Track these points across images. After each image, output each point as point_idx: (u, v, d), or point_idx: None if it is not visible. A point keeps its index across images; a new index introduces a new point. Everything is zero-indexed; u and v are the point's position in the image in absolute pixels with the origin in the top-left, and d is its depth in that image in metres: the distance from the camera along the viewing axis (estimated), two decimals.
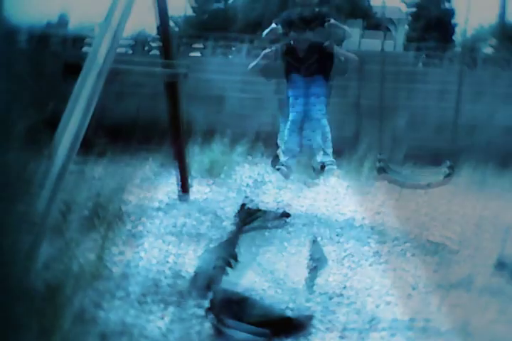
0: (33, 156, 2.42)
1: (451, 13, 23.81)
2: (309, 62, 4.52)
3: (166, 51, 4.16)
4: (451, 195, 4.96)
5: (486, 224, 4.15)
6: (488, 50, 21.12)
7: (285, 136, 4.58)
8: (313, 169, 4.52)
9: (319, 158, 4.49)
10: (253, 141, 6.17)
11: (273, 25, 4.66)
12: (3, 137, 1.77)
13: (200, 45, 7.69)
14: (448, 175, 3.71)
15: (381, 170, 4.03)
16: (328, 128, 4.55)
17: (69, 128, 2.62)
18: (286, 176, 4.55)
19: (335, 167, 4.48)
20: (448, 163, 3.78)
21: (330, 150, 4.53)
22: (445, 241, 3.77)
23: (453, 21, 23.73)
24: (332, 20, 4.47)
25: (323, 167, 4.47)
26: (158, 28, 4.10)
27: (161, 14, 4.01)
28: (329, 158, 4.48)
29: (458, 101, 3.82)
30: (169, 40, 4.17)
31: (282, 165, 4.50)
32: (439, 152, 5.55)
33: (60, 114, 2.70)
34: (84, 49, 7.23)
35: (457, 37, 23.41)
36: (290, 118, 4.54)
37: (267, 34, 4.65)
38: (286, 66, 4.64)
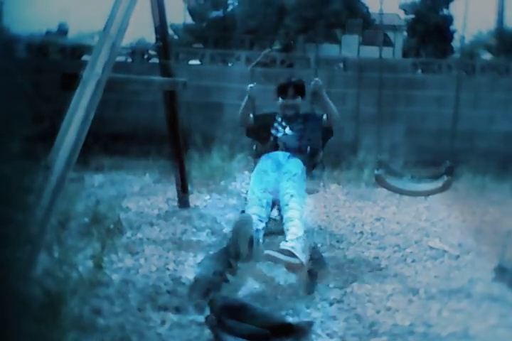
0: (32, 166, 2.43)
1: (449, 19, 23.95)
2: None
3: (165, 59, 4.17)
4: (451, 201, 4.97)
5: (486, 230, 4.16)
6: (486, 56, 21.22)
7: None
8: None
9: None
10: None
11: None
12: (1, 147, 1.78)
13: (199, 53, 7.71)
14: (447, 182, 3.71)
15: (379, 177, 4.01)
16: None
17: (67, 137, 2.62)
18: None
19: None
20: (447, 166, 3.77)
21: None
22: (445, 246, 3.77)
23: (451, 28, 23.88)
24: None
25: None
26: (156, 35, 4.11)
27: (160, 22, 4.03)
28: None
29: (456, 108, 3.83)
30: (168, 48, 4.18)
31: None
32: (438, 157, 5.57)
33: (59, 124, 2.70)
34: (84, 58, 7.25)
35: (456, 43, 23.54)
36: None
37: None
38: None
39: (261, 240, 3.31)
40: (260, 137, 4.00)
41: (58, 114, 2.74)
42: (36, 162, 2.44)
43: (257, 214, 3.32)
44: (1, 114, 1.73)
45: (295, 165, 3.62)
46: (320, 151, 3.98)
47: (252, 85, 3.94)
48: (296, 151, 3.81)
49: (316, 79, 3.81)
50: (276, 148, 3.85)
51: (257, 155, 3.93)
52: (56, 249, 2.60)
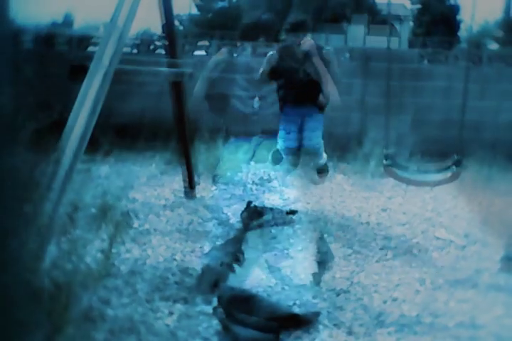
0: (40, 158, 2.44)
1: (456, 9, 23.77)
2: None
3: (172, 50, 4.17)
4: (458, 191, 4.96)
5: (493, 220, 4.15)
6: (493, 46, 21.06)
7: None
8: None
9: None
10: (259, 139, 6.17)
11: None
12: (10, 139, 1.79)
13: (205, 44, 7.69)
14: (456, 173, 3.70)
15: (388, 168, 4.00)
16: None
17: (75, 129, 2.63)
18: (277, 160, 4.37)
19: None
20: (455, 157, 3.76)
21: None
22: (452, 237, 3.77)
23: (458, 17, 23.71)
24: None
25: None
26: (163, 26, 4.10)
27: (166, 13, 4.02)
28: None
29: (464, 98, 3.81)
30: (174, 39, 4.18)
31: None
32: (446, 149, 5.54)
33: (67, 115, 2.71)
34: (90, 49, 7.25)
35: (462, 33, 23.38)
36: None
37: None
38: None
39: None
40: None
41: (66, 106, 2.75)
42: (45, 154, 2.45)
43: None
44: (9, 106, 1.73)
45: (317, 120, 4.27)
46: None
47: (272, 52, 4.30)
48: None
49: (305, 39, 3.95)
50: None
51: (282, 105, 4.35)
52: (64, 240, 2.61)
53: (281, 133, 4.34)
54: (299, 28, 4.10)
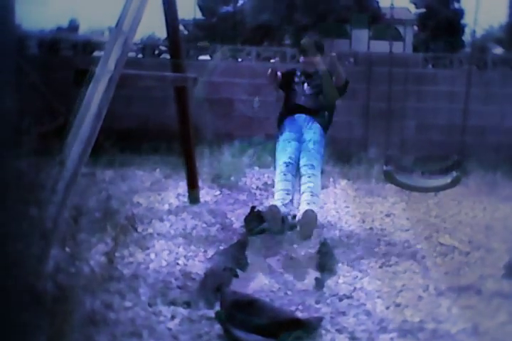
0: (45, 162, 2.45)
1: (460, 13, 23.75)
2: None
3: (176, 55, 4.18)
4: (462, 197, 4.95)
5: (497, 226, 4.14)
6: (497, 50, 21.04)
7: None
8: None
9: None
10: (263, 143, 6.19)
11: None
12: (15, 143, 1.80)
13: (205, 44, 7.72)
14: (456, 178, 3.69)
15: (388, 174, 4.00)
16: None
17: (80, 133, 2.64)
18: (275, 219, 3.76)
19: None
20: (456, 162, 3.76)
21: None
22: (455, 243, 3.76)
23: (462, 22, 23.68)
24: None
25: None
26: (167, 31, 4.12)
27: (171, 17, 4.04)
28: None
29: (466, 103, 3.81)
30: (179, 44, 4.19)
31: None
32: (449, 154, 5.54)
33: (72, 119, 2.72)
34: (95, 54, 7.28)
35: (467, 37, 23.36)
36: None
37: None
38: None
39: (290, 212, 3.89)
40: (286, 89, 4.42)
41: (71, 110, 2.76)
42: (50, 158, 2.47)
43: (284, 190, 3.86)
44: (14, 110, 1.75)
45: (315, 132, 4.15)
46: (334, 108, 4.40)
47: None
48: (314, 112, 4.26)
49: (333, 54, 4.23)
50: (297, 109, 4.27)
51: (282, 118, 4.35)
52: (68, 243, 2.62)
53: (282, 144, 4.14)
54: (312, 50, 4.31)
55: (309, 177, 3.91)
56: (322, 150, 4.15)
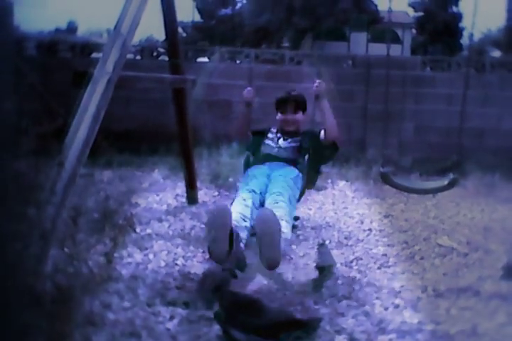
0: (44, 163, 2.45)
1: (458, 16, 23.83)
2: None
3: (174, 56, 4.18)
4: (460, 198, 4.96)
5: (495, 228, 4.15)
6: (495, 53, 21.10)
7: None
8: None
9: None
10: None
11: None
12: (13, 144, 1.80)
13: (208, 50, 7.73)
14: (453, 180, 3.70)
15: (385, 176, 3.99)
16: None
17: (79, 134, 2.65)
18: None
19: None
20: (453, 165, 3.77)
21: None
22: (454, 244, 3.76)
23: (460, 25, 23.77)
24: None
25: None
26: (166, 33, 4.12)
27: (169, 19, 4.05)
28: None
29: (464, 105, 3.82)
30: (177, 46, 4.20)
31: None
32: (446, 156, 5.55)
33: (70, 121, 2.72)
34: (93, 55, 7.28)
35: (465, 40, 23.43)
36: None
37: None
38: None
39: (243, 241, 2.99)
40: (253, 151, 3.86)
41: (69, 112, 2.76)
42: (49, 159, 2.47)
43: (239, 213, 3.11)
44: (12, 112, 1.75)
45: (289, 171, 3.50)
46: (319, 170, 3.78)
47: (249, 88, 3.74)
48: (290, 161, 3.60)
49: (319, 81, 3.52)
50: (268, 158, 3.65)
51: (247, 165, 3.85)
52: (67, 244, 2.62)
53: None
54: (291, 107, 3.67)
55: (276, 203, 3.18)
56: (296, 189, 3.43)
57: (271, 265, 2.74)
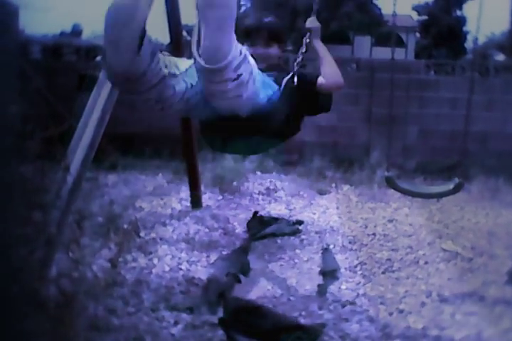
0: (49, 167, 2.45)
1: (462, 20, 23.84)
2: None
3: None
4: (464, 203, 4.94)
5: (500, 232, 4.13)
6: (500, 56, 21.07)
7: None
8: None
9: None
10: None
11: None
12: (19, 148, 1.80)
13: None
14: (458, 184, 3.68)
15: (390, 180, 3.98)
16: None
17: (84, 138, 2.65)
18: None
19: None
20: (459, 168, 3.75)
21: None
22: (458, 249, 3.75)
23: (464, 29, 23.77)
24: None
25: None
26: (170, 36, 4.13)
27: (174, 23, 4.05)
28: None
29: (468, 109, 3.81)
30: (182, 49, 4.20)
31: None
32: (451, 159, 5.53)
33: (76, 124, 2.73)
34: (98, 58, 7.30)
35: (469, 44, 23.43)
36: None
37: None
38: None
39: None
40: None
41: (75, 115, 2.77)
42: (54, 163, 2.47)
43: None
44: (18, 116, 1.75)
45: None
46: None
47: None
48: None
49: (311, 18, 2.70)
50: None
51: None
52: (71, 248, 2.63)
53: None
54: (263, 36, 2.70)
55: None
56: (265, 82, 2.36)
57: (211, 57, 1.93)
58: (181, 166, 4.97)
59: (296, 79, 2.48)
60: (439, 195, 4.30)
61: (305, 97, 2.51)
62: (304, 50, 2.67)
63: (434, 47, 23.53)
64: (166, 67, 2.09)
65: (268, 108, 2.26)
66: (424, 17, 24.81)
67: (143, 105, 2.16)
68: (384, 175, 4.13)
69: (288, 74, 2.50)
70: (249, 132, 2.29)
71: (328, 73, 2.55)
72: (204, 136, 2.47)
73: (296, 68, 2.55)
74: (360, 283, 3.10)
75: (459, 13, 24.15)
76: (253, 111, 2.20)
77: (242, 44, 2.31)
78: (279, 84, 2.42)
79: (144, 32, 1.93)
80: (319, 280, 3.11)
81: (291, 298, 2.86)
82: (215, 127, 2.32)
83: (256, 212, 4.23)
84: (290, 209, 4.69)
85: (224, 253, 3.47)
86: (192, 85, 2.14)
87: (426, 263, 3.47)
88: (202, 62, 1.94)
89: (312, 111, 2.62)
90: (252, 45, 2.68)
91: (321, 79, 2.54)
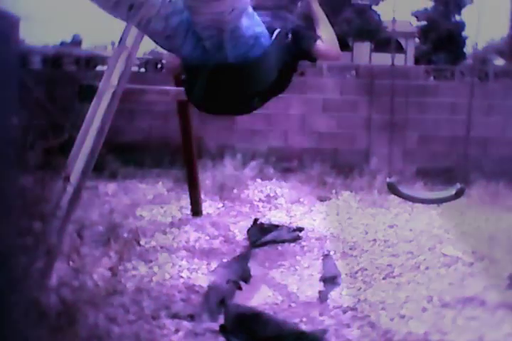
0: (49, 177, 2.47)
1: (461, 25, 23.91)
2: None
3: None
4: (465, 208, 4.94)
5: (500, 237, 4.13)
6: (499, 62, 21.11)
7: None
8: None
9: None
10: (265, 156, 6.20)
11: None
12: (19, 158, 1.82)
13: None
14: (460, 190, 3.69)
15: (391, 185, 3.99)
16: None
17: (84, 147, 2.66)
18: None
19: None
20: (460, 174, 3.76)
21: None
22: (459, 253, 3.75)
23: (463, 34, 23.84)
24: None
25: None
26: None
27: None
28: None
29: (469, 114, 3.82)
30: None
31: None
32: (452, 165, 5.54)
33: (75, 134, 2.75)
34: (98, 68, 7.33)
35: (468, 49, 23.48)
36: None
37: None
38: None
39: None
40: None
41: (75, 125, 2.78)
42: (54, 173, 2.48)
43: None
44: (18, 126, 1.77)
45: None
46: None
47: None
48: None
49: None
50: None
51: None
52: (72, 257, 2.63)
53: None
54: None
55: None
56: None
57: None
58: (181, 174, 4.98)
59: (290, 36, 2.30)
60: (441, 201, 4.31)
61: (298, 57, 2.38)
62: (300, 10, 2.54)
63: (434, 52, 23.58)
64: None
65: (257, 58, 2.08)
66: (424, 23, 24.88)
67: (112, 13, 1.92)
68: (386, 181, 4.15)
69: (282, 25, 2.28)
70: (237, 82, 2.14)
71: (328, 40, 2.39)
72: (190, 92, 2.29)
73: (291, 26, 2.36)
74: (361, 288, 3.09)
75: (458, 18, 24.23)
76: (242, 58, 2.04)
77: None
78: (271, 34, 2.16)
79: None
80: (320, 286, 3.11)
81: (292, 304, 2.86)
82: (202, 76, 2.13)
83: (256, 219, 4.24)
84: (290, 216, 4.70)
85: (224, 260, 3.48)
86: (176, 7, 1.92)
87: (427, 268, 3.47)
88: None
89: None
90: None
91: (319, 45, 2.38)
